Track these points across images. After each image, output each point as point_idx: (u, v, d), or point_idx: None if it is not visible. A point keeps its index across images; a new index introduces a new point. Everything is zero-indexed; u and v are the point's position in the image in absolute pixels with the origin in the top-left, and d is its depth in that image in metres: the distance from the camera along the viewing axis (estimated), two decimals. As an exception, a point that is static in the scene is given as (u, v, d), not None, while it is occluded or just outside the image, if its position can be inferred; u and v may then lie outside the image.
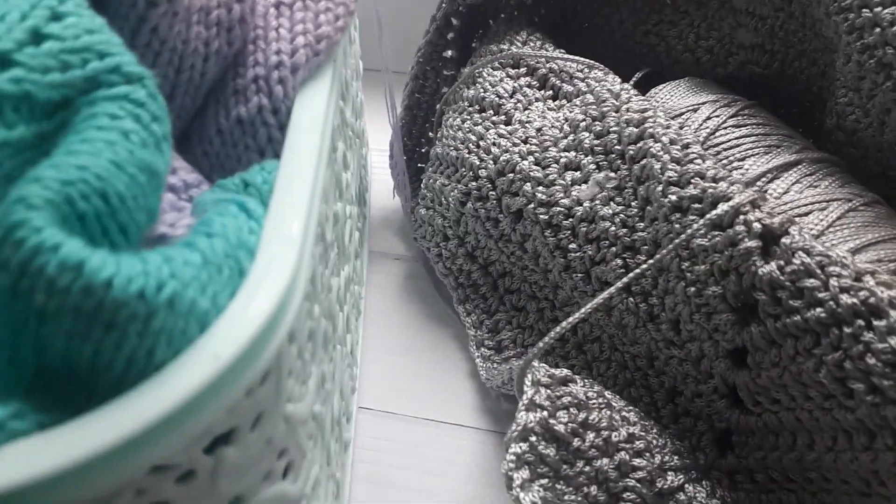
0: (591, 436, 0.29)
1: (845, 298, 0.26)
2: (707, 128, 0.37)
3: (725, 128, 0.38)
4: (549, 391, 0.30)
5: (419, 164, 0.48)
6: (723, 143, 0.37)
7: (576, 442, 0.29)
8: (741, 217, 0.29)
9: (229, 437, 0.19)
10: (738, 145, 0.37)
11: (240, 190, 0.21)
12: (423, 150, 0.48)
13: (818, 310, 0.27)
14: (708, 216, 0.30)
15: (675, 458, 0.31)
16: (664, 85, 0.41)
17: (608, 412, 0.30)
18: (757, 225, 0.29)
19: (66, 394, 0.16)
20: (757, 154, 0.36)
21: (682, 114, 0.39)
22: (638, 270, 0.31)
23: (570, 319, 0.31)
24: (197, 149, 0.25)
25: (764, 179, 0.35)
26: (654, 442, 0.31)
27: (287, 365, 0.21)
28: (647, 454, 0.30)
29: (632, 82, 0.43)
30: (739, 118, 0.38)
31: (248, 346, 0.17)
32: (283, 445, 0.22)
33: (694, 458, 0.32)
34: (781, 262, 0.28)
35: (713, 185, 0.30)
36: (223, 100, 0.25)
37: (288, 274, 0.18)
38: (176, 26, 0.22)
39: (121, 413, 0.15)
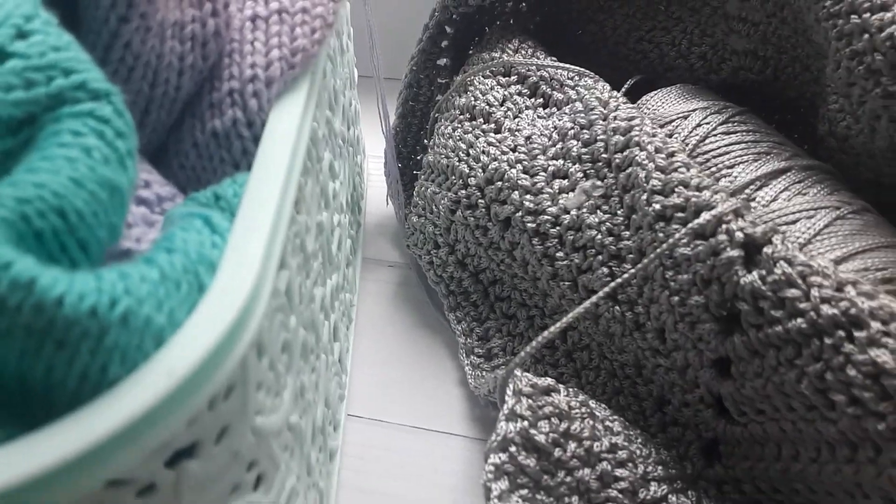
0: (572, 446, 0.29)
1: (826, 309, 0.26)
2: (696, 135, 0.37)
3: (715, 135, 0.37)
4: (530, 401, 0.30)
5: (414, 172, 0.48)
6: (712, 150, 0.37)
7: (557, 452, 0.29)
8: (724, 226, 0.29)
9: (192, 450, 0.19)
10: (727, 153, 0.36)
11: (210, 203, 0.22)
12: (417, 158, 0.48)
13: (799, 320, 0.27)
14: (690, 225, 0.30)
15: (659, 468, 0.31)
16: (656, 92, 0.41)
17: (591, 422, 0.30)
18: (739, 234, 0.29)
19: (22, 409, 0.17)
20: (746, 161, 0.36)
21: (672, 121, 0.38)
22: (622, 279, 0.31)
23: (553, 329, 0.31)
24: (173, 162, 0.26)
25: (752, 187, 0.35)
26: (638, 452, 0.31)
27: (255, 378, 0.21)
28: (630, 464, 0.30)
29: (623, 89, 0.42)
30: (730, 125, 0.38)
31: (203, 361, 0.17)
32: (252, 458, 0.22)
33: (681, 468, 0.32)
34: (763, 272, 0.28)
35: (696, 193, 0.30)
36: (199, 113, 0.25)
37: (248, 289, 0.18)
38: (149, 41, 0.23)
39: (72, 429, 0.16)
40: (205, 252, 0.19)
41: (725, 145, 0.36)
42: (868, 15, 0.31)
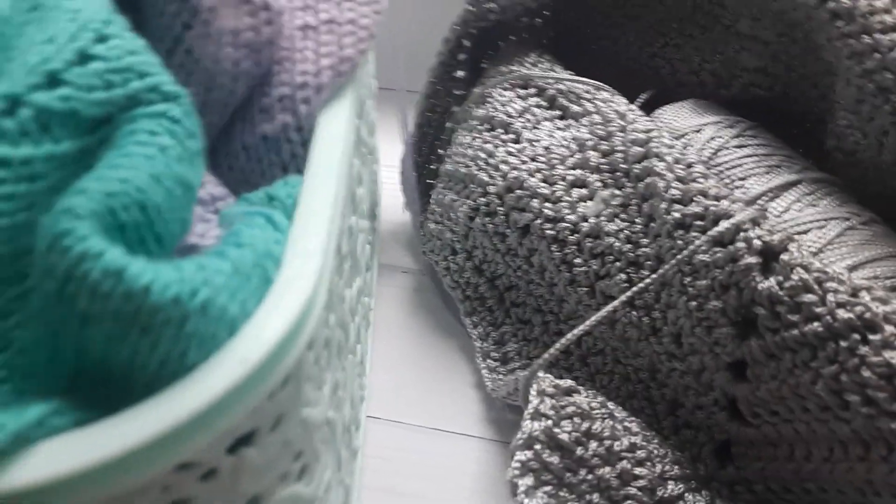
0: (593, 445, 0.30)
1: (842, 313, 0.27)
2: (710, 148, 0.39)
3: (728, 148, 0.39)
4: (553, 401, 0.31)
5: (429, 180, 0.49)
6: (725, 162, 0.38)
7: (579, 451, 0.30)
8: (742, 234, 0.30)
9: (251, 437, 0.20)
10: (739, 165, 0.38)
11: (264, 203, 0.23)
12: (432, 167, 0.49)
13: (815, 324, 0.28)
14: (710, 233, 0.31)
15: (676, 467, 0.32)
16: (668, 106, 0.42)
17: (611, 422, 0.31)
18: (757, 242, 0.30)
19: (102, 393, 0.17)
20: (758, 173, 0.37)
21: (686, 134, 0.40)
22: (641, 285, 0.32)
23: (576, 331, 0.32)
24: (223, 163, 0.27)
25: (765, 198, 0.36)
26: (655, 451, 0.32)
27: (306, 370, 0.22)
28: (648, 463, 0.31)
29: (637, 103, 0.44)
30: (742, 139, 0.39)
31: (273, 350, 0.18)
32: (299, 448, 0.23)
33: (694, 469, 0.33)
34: (780, 278, 0.29)
35: (715, 202, 0.32)
36: (250, 117, 0.26)
37: (311, 283, 0.19)
38: (208, 47, 0.24)
39: (154, 412, 0.16)
40: (270, 248, 0.20)
41: (738, 158, 0.38)
42: (880, 35, 0.33)
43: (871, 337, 0.27)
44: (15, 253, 0.18)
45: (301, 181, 0.24)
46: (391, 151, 0.50)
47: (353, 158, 0.33)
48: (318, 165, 0.23)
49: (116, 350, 0.17)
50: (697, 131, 0.40)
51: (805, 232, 0.34)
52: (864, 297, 0.27)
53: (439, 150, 0.49)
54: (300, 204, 0.22)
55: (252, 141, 0.26)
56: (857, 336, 0.27)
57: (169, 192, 0.18)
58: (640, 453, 0.31)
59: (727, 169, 0.38)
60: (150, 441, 0.16)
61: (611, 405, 0.33)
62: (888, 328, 0.27)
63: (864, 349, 0.27)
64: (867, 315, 0.27)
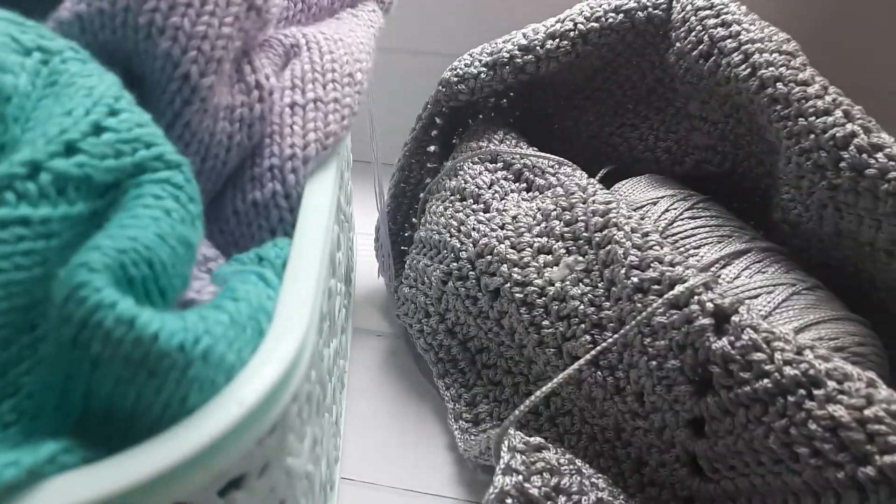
0: (562, 500, 0.32)
1: (788, 370, 0.30)
2: (665, 219, 0.41)
3: (682, 219, 0.42)
4: (524, 457, 0.32)
5: (402, 247, 0.52)
6: (680, 232, 0.41)
7: (549, 504, 0.31)
8: (696, 297, 0.33)
9: (240, 482, 0.21)
10: (693, 235, 0.41)
11: (255, 263, 0.24)
12: (406, 234, 0.52)
13: (765, 380, 0.30)
14: (666, 296, 0.33)
15: (641, 521, 0.33)
16: (626, 181, 0.45)
17: (579, 478, 0.33)
18: (710, 304, 0.32)
19: (104, 435, 0.19)
20: (711, 243, 0.40)
21: (643, 206, 0.43)
22: (604, 345, 0.34)
23: (544, 389, 0.33)
24: (214, 227, 0.29)
25: (717, 265, 0.39)
26: (622, 505, 0.33)
27: (290, 421, 0.23)
28: (615, 517, 0.32)
29: (597, 178, 0.47)
30: (695, 211, 0.42)
31: (268, 394, 0.19)
32: (282, 497, 0.24)
33: (659, 524, 0.34)
34: (732, 338, 0.31)
35: (670, 268, 0.34)
36: (240, 185, 0.28)
37: (300, 336, 0.21)
38: (205, 122, 0.26)
39: (159, 449, 0.18)
40: (263, 302, 0.21)
41: (691, 228, 0.41)
42: (813, 118, 0.36)
43: (815, 392, 0.29)
44: (29, 304, 0.19)
45: (289, 244, 0.25)
46: (365, 220, 0.52)
47: (333, 225, 0.35)
48: (306, 231, 0.25)
49: (123, 393, 0.18)
50: (653, 203, 0.43)
51: (755, 297, 0.37)
52: (808, 354, 0.30)
53: (413, 219, 0.51)
54: (289, 265, 0.24)
55: (243, 207, 0.28)
56: (803, 391, 0.29)
57: (173, 251, 0.20)
58: (607, 508, 0.33)
59: (681, 238, 0.40)
60: (154, 477, 0.18)
61: (578, 462, 0.34)
62: (830, 383, 0.29)
63: (809, 404, 0.29)
64: (811, 371, 0.29)
